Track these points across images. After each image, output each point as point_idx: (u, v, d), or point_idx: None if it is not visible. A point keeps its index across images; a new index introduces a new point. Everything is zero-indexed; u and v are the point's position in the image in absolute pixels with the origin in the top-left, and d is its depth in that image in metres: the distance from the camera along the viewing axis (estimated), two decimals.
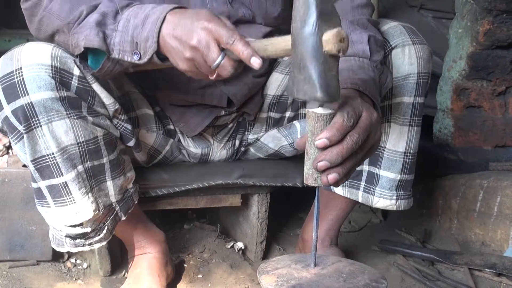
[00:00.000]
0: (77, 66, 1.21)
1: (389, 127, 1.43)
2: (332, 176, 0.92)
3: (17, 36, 2.84)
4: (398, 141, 1.44)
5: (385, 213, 2.14)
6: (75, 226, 1.28)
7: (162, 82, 1.44)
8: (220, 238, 1.87)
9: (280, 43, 1.00)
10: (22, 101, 1.15)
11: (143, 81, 1.45)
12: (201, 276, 1.68)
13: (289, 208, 2.13)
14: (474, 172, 2.09)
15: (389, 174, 1.46)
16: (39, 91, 1.16)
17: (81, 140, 1.22)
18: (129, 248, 1.58)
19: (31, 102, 1.15)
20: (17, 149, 1.22)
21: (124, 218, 1.38)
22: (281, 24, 1.42)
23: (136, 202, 1.44)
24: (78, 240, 1.32)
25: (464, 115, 2.20)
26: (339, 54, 0.90)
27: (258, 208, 1.72)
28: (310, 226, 1.64)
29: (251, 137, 1.61)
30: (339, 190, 1.55)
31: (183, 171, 1.58)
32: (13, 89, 1.15)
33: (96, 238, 1.33)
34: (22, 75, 1.15)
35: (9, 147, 1.85)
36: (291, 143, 1.57)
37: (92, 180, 1.27)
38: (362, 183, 1.51)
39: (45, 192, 1.23)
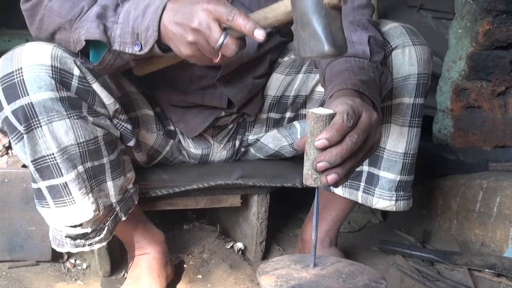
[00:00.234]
0: (77, 66, 1.22)
1: (389, 128, 1.43)
2: (331, 177, 0.92)
3: (17, 36, 2.84)
4: (398, 142, 1.43)
5: (384, 213, 2.14)
6: (75, 226, 1.28)
7: (162, 83, 1.44)
8: (219, 239, 1.87)
9: (279, 7, 0.98)
10: (22, 102, 1.15)
11: (144, 82, 1.45)
12: (200, 276, 1.68)
13: (289, 208, 2.13)
14: (473, 173, 2.08)
15: (388, 175, 1.46)
16: (39, 91, 1.16)
17: (81, 140, 1.22)
18: (129, 249, 1.58)
19: (31, 103, 1.16)
20: (17, 149, 1.22)
21: (124, 219, 1.38)
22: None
23: (136, 202, 1.44)
24: (78, 241, 1.32)
25: (463, 116, 2.20)
26: (340, 4, 0.89)
27: (257, 208, 1.72)
28: (310, 227, 1.64)
29: (251, 137, 1.61)
30: (338, 191, 1.55)
31: (183, 171, 1.58)
32: (13, 90, 1.15)
33: (97, 239, 1.33)
34: (22, 76, 1.15)
35: (8, 148, 1.85)
36: (291, 144, 1.57)
37: (92, 181, 1.27)
38: (362, 184, 1.51)
39: (45, 192, 1.24)
